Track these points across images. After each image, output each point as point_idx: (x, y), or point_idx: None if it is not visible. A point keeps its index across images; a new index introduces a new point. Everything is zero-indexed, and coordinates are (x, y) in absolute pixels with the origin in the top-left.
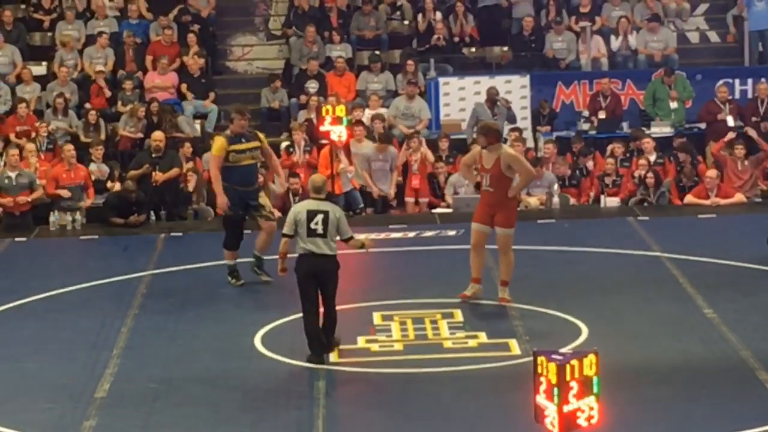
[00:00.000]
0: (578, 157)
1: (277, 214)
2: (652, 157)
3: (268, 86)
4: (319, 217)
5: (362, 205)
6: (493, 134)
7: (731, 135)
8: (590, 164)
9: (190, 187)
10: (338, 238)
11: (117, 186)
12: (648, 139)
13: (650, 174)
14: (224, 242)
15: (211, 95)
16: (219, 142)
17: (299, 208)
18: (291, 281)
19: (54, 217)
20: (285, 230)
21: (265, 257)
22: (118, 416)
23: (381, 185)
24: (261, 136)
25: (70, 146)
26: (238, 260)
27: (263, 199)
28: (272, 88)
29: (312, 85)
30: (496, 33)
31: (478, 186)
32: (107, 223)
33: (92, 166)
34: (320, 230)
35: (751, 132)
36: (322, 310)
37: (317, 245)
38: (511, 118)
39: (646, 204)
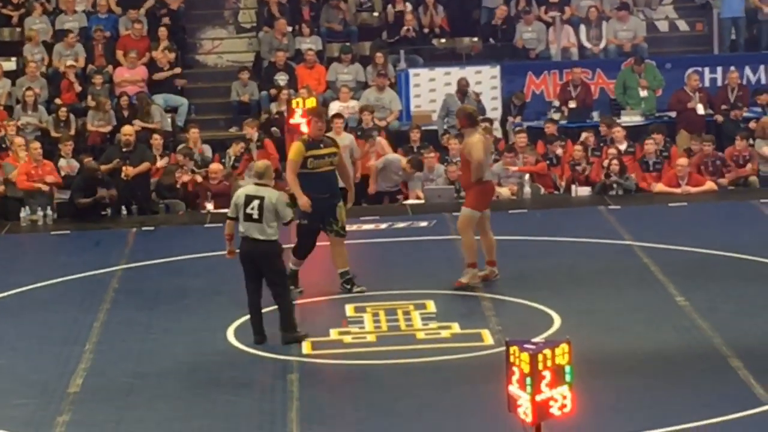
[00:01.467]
0: (550, 142)
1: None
2: (623, 146)
3: (238, 79)
4: (255, 203)
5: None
6: (463, 118)
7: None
8: (559, 151)
9: (184, 178)
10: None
11: None
12: (618, 128)
13: (615, 161)
14: (293, 248)
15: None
16: (296, 147)
17: (240, 192)
18: None
19: (25, 212)
20: (229, 213)
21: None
22: (92, 411)
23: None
24: (338, 142)
25: (36, 144)
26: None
27: (341, 211)
28: (242, 81)
29: (281, 78)
30: (466, 24)
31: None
32: (76, 208)
33: (62, 162)
34: (255, 215)
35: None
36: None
37: (253, 230)
38: (481, 111)
39: (613, 192)
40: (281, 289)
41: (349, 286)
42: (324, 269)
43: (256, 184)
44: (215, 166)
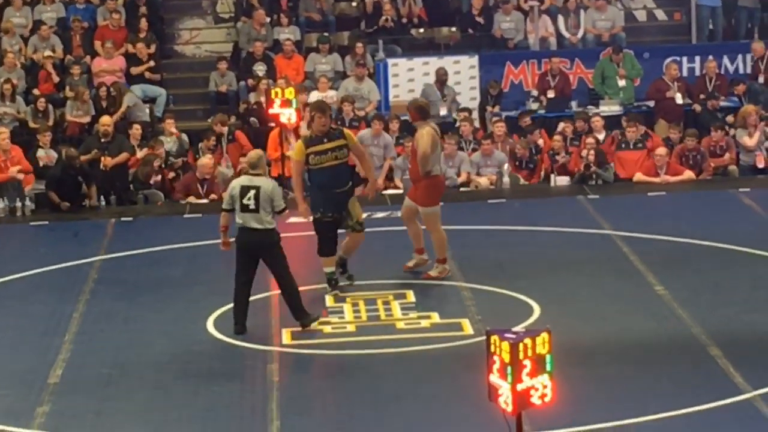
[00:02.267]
0: (526, 134)
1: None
2: (601, 136)
3: (216, 70)
4: (252, 193)
5: None
6: (415, 111)
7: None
8: (540, 142)
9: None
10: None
11: None
12: (597, 118)
13: (592, 152)
14: (317, 248)
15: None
16: (297, 146)
17: (235, 183)
18: None
19: (2, 203)
20: (224, 204)
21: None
22: (72, 402)
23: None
24: (348, 133)
25: (4, 132)
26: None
27: (353, 206)
28: (220, 71)
29: (259, 68)
30: (444, 13)
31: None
32: (56, 205)
33: (40, 152)
34: (252, 206)
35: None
36: (278, 287)
37: (251, 220)
38: (455, 104)
39: (592, 182)
40: (285, 274)
41: (343, 277)
42: (303, 260)
43: (250, 174)
44: (205, 161)
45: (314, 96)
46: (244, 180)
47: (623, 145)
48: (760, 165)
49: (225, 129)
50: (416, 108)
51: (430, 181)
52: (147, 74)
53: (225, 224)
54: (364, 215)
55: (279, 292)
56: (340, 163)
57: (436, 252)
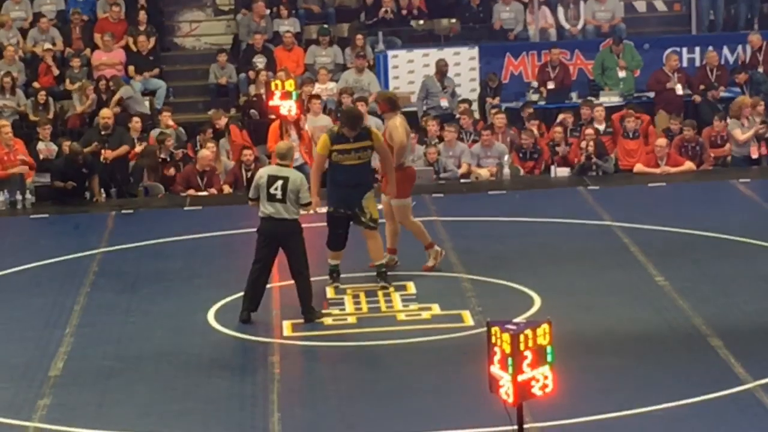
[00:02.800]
0: (526, 123)
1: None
2: (602, 127)
3: (216, 62)
4: (279, 183)
5: None
6: (384, 103)
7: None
8: (535, 130)
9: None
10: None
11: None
12: (600, 108)
13: (592, 142)
14: (327, 241)
15: (156, 70)
16: (323, 140)
17: (262, 172)
18: (243, 259)
19: (3, 196)
20: (250, 194)
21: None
22: (73, 394)
23: None
24: (376, 133)
25: (6, 125)
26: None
27: (368, 203)
28: (220, 63)
29: (259, 60)
30: (443, 5)
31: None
32: (54, 191)
33: (40, 145)
34: (279, 195)
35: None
36: (292, 280)
37: (276, 209)
38: (454, 96)
39: (592, 173)
40: (303, 268)
41: (380, 280)
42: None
43: (278, 164)
44: (206, 153)
45: (315, 89)
46: (272, 169)
47: (623, 134)
48: (755, 156)
49: (224, 122)
50: (385, 99)
51: (402, 173)
52: (146, 74)
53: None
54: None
55: (280, 284)
56: (362, 162)
57: (421, 241)
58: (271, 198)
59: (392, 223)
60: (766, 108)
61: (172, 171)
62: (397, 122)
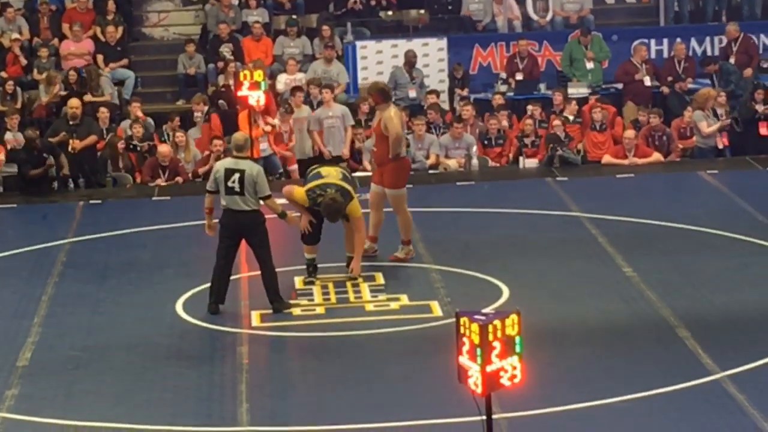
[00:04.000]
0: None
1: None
2: (572, 116)
3: (185, 52)
4: (236, 176)
5: (281, 170)
6: (377, 94)
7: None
8: (504, 123)
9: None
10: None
11: None
12: (573, 103)
13: (561, 129)
14: (300, 235)
15: (125, 61)
16: (301, 196)
17: (219, 166)
18: (212, 249)
19: None
20: (208, 186)
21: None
22: (41, 385)
23: (333, 145)
24: (353, 209)
25: None
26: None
27: (351, 207)
28: (188, 53)
29: (226, 50)
30: None
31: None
32: (22, 182)
33: (8, 135)
34: (237, 188)
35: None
36: (259, 269)
37: (236, 202)
38: (423, 87)
39: (558, 163)
40: (266, 258)
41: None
42: (278, 242)
43: (235, 156)
44: (164, 149)
45: (282, 79)
46: (228, 162)
47: (591, 126)
48: (720, 146)
49: (204, 109)
50: (378, 91)
51: (399, 163)
52: (112, 65)
53: (209, 206)
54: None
55: (248, 274)
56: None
57: (402, 234)
58: (230, 191)
59: (378, 213)
60: (729, 99)
61: (135, 161)
62: (392, 113)
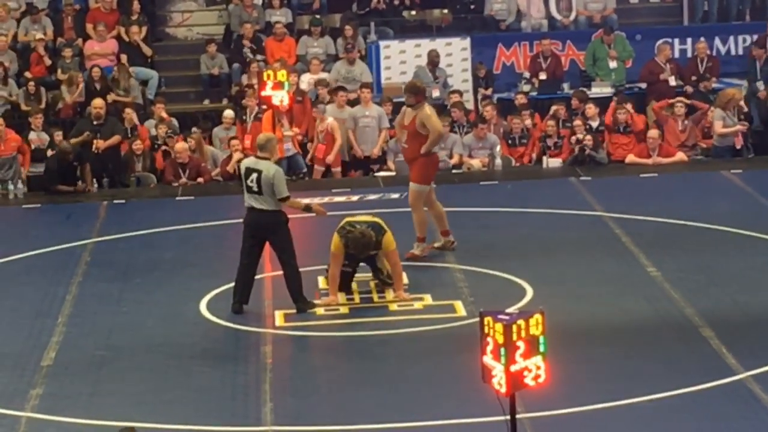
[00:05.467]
0: (520, 113)
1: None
2: (595, 123)
3: (207, 52)
4: (254, 176)
5: (305, 170)
6: (422, 93)
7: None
8: (528, 122)
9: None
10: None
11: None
12: (591, 105)
13: (589, 137)
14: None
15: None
16: (336, 243)
17: (242, 165)
18: (235, 249)
19: None
20: None
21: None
22: (65, 384)
23: (365, 144)
24: (387, 241)
25: None
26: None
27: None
28: (210, 54)
29: (249, 51)
30: None
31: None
32: (52, 192)
33: (32, 135)
34: (255, 188)
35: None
36: (281, 269)
37: (256, 201)
38: (447, 86)
39: (585, 165)
40: (289, 258)
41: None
42: (294, 242)
43: (257, 156)
44: (180, 146)
45: (305, 79)
46: (250, 161)
47: (614, 129)
48: (738, 146)
49: (255, 106)
50: (418, 90)
51: (429, 159)
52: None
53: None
54: (356, 197)
55: (272, 274)
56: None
57: (417, 231)
58: (249, 190)
59: (432, 208)
60: (747, 102)
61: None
62: (429, 110)
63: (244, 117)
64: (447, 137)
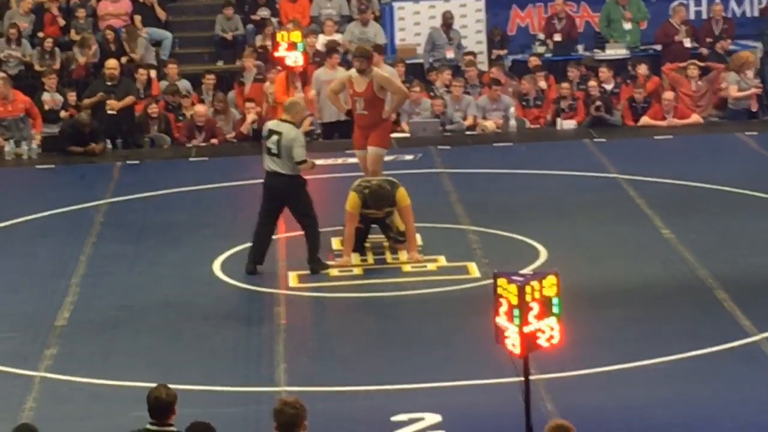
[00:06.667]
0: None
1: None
2: (609, 86)
3: (222, 13)
4: (275, 138)
5: (318, 131)
6: (369, 57)
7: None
8: (542, 84)
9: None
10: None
11: (72, 113)
12: (604, 69)
13: (600, 102)
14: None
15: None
16: (352, 200)
17: (266, 126)
18: (249, 210)
19: (9, 147)
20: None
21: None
22: (79, 344)
23: None
24: (401, 196)
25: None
26: None
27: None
28: (226, 15)
29: (263, 12)
30: None
31: (349, 113)
32: (65, 152)
33: (45, 95)
34: (274, 150)
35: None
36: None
37: (274, 163)
38: (461, 47)
39: (600, 121)
40: (309, 221)
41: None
42: (316, 202)
43: (281, 119)
44: (200, 108)
45: (321, 40)
46: (272, 124)
47: (632, 110)
48: (754, 109)
49: (254, 67)
50: (368, 54)
51: (388, 122)
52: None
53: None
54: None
55: (286, 235)
56: None
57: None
58: (268, 152)
59: (374, 174)
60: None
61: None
62: (383, 72)
63: (241, 78)
64: (418, 101)
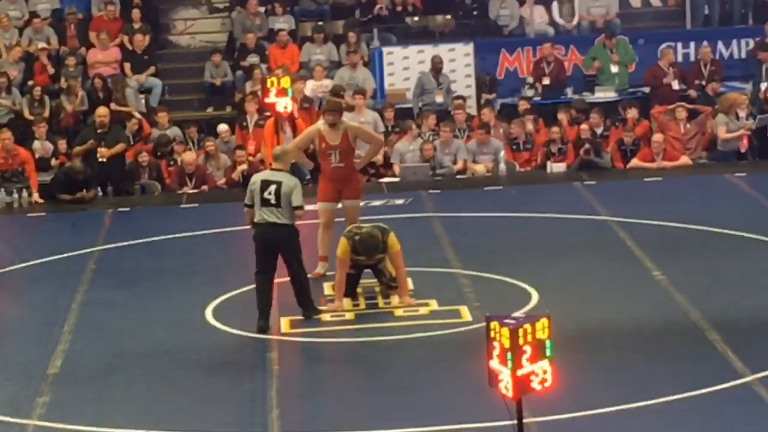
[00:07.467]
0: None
1: None
2: (599, 130)
3: (210, 60)
4: (272, 188)
5: (309, 177)
6: (340, 109)
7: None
8: (530, 126)
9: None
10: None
11: (63, 161)
12: (595, 114)
13: (589, 144)
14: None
15: (152, 69)
16: (343, 247)
17: (255, 179)
18: (241, 256)
19: (0, 195)
20: (245, 201)
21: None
22: (72, 392)
23: (362, 150)
24: (391, 243)
25: (8, 134)
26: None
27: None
28: (214, 62)
29: (252, 59)
30: (438, 1)
31: (315, 163)
32: (56, 200)
33: (36, 144)
34: (273, 200)
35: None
36: (288, 277)
37: (271, 214)
38: (450, 92)
39: (590, 164)
40: (298, 267)
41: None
42: (306, 247)
43: (272, 168)
44: (188, 157)
45: (310, 86)
46: (265, 174)
47: (621, 153)
48: (743, 150)
49: (255, 112)
50: (340, 107)
51: (359, 175)
52: (139, 76)
53: (251, 220)
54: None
55: (277, 281)
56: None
57: None
58: (266, 203)
59: (331, 232)
60: (751, 104)
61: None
62: (354, 123)
63: (245, 123)
64: (441, 144)
